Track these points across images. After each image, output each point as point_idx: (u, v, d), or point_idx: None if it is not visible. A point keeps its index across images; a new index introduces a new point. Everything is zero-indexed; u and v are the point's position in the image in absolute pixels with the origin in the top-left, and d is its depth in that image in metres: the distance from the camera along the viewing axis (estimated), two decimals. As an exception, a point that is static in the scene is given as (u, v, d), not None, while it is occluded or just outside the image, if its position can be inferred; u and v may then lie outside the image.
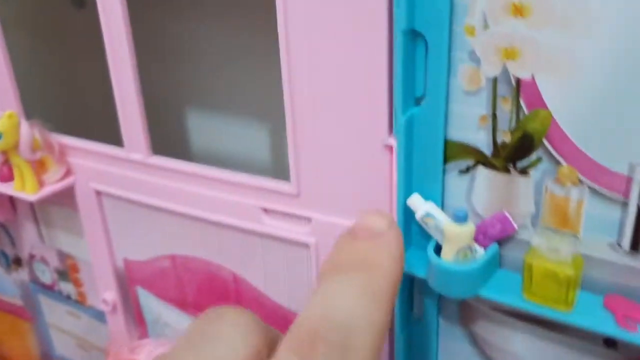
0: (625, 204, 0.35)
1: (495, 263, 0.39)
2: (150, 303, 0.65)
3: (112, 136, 0.57)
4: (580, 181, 0.35)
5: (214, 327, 0.30)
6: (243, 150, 0.79)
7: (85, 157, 0.59)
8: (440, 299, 0.44)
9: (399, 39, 0.36)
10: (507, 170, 0.37)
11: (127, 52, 0.51)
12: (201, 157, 0.81)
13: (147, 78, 0.71)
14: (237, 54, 0.71)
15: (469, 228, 0.37)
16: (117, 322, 0.68)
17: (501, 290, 0.38)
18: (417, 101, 0.39)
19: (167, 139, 0.80)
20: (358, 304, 0.27)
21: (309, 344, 0.25)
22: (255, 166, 0.77)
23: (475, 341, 0.44)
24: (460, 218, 0.37)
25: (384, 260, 0.30)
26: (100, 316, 0.70)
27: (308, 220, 0.48)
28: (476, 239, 0.39)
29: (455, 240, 0.37)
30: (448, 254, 0.38)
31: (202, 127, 0.81)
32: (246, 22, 0.67)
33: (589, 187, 0.35)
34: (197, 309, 0.61)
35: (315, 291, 0.28)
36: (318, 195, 0.47)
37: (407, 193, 0.40)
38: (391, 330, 0.47)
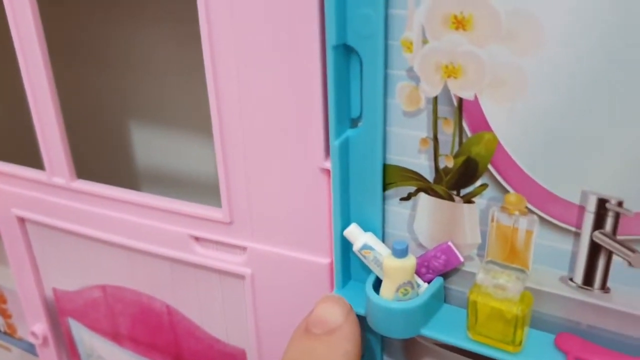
0: (577, 235, 0.32)
1: (440, 298, 0.36)
2: (83, 335, 0.60)
3: (36, 160, 0.52)
4: (529, 210, 0.32)
5: None
6: (188, 165, 0.75)
7: (6, 181, 0.54)
8: (384, 336, 0.40)
9: (329, 55, 0.32)
10: (450, 198, 0.34)
11: (44, 76, 0.47)
12: (146, 174, 0.77)
13: (88, 93, 0.67)
14: (179, 66, 0.67)
15: (409, 262, 0.34)
16: (49, 356, 0.63)
17: (445, 329, 0.35)
18: (354, 123, 0.35)
19: (108, 157, 0.76)
20: None
21: None
22: (201, 181, 0.73)
23: (421, 380, 0.40)
24: (400, 252, 0.34)
25: None
26: (32, 349, 0.65)
27: (243, 249, 0.45)
28: (419, 272, 0.36)
29: (395, 276, 0.34)
30: (388, 291, 0.34)
31: (146, 143, 0.77)
32: (190, 32, 0.63)
33: (539, 217, 0.32)
34: (132, 342, 0.57)
35: None
36: (252, 223, 0.43)
37: (345, 222, 0.37)
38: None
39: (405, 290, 0.34)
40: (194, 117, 0.70)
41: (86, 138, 0.69)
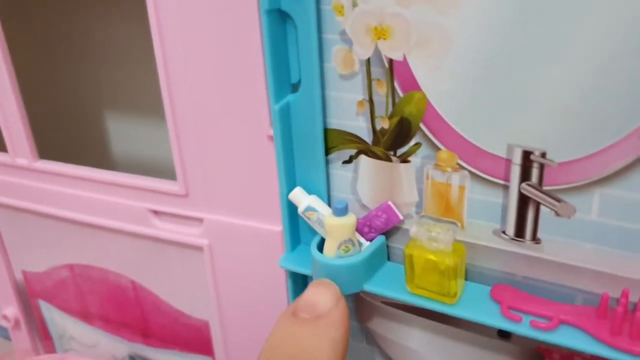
0: (506, 188, 0.33)
1: (382, 256, 0.37)
2: (54, 316, 0.61)
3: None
4: (460, 166, 0.33)
5: None
6: (162, 152, 0.75)
7: (-29, 164, 0.55)
8: (335, 298, 0.42)
9: (264, 20, 0.33)
10: (388, 159, 0.35)
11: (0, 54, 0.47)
12: (121, 162, 0.78)
13: (61, 82, 0.67)
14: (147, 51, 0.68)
15: (349, 220, 0.35)
16: (22, 339, 0.64)
17: (387, 284, 0.36)
18: (294, 88, 0.36)
19: (85, 144, 0.77)
20: None
21: None
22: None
23: (372, 338, 0.42)
24: (340, 211, 0.35)
25: (324, 350, 0.27)
26: (5, 333, 0.66)
27: (199, 221, 0.46)
28: (361, 232, 0.37)
29: (337, 234, 0.35)
30: (330, 249, 0.36)
31: (120, 131, 0.78)
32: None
33: (470, 172, 0.33)
34: (102, 320, 0.58)
35: None
36: (207, 194, 0.44)
37: (290, 187, 0.38)
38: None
39: (347, 247, 0.35)
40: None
41: (59, 128, 0.70)
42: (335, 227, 0.35)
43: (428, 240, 0.33)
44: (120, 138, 0.77)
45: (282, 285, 0.44)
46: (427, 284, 0.34)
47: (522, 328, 0.32)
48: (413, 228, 0.34)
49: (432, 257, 0.33)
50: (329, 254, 0.36)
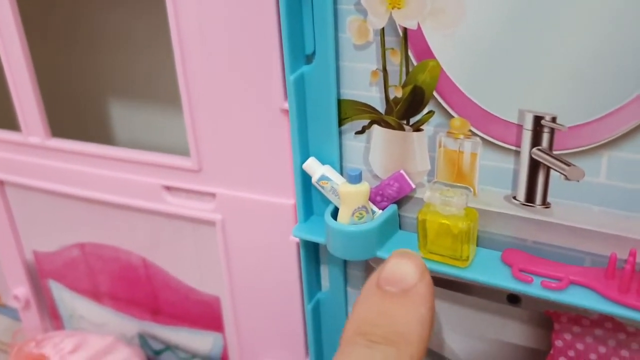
0: (517, 154, 0.34)
1: (394, 224, 0.38)
2: (64, 296, 0.62)
3: (12, 123, 0.54)
4: (473, 133, 0.34)
5: None
6: (168, 140, 0.76)
7: (-17, 144, 0.56)
8: (346, 268, 0.43)
9: (280, -8, 0.34)
10: (401, 128, 0.36)
11: (15, 34, 0.48)
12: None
13: (67, 67, 0.68)
14: (161, 40, 0.69)
15: (363, 187, 0.36)
16: (32, 319, 0.65)
17: (400, 251, 0.37)
18: (309, 59, 0.37)
19: (90, 130, 0.77)
20: None
21: None
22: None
23: (383, 309, 0.43)
24: (354, 178, 0.36)
25: (414, 329, 0.26)
26: (16, 314, 0.67)
27: (212, 196, 0.47)
28: (374, 201, 0.38)
29: (350, 201, 0.36)
30: (344, 216, 0.36)
31: (125, 117, 0.78)
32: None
33: (482, 139, 0.34)
34: (112, 299, 0.58)
35: (338, 356, 0.26)
36: (220, 169, 0.45)
37: (304, 157, 0.39)
38: (302, 297, 0.46)
39: (360, 214, 0.36)
40: (172, 92, 0.71)
41: (64, 115, 0.71)
42: (349, 195, 0.36)
43: (441, 204, 0.34)
44: (127, 126, 0.77)
45: (294, 259, 0.45)
46: (439, 248, 0.35)
47: (533, 289, 0.33)
48: (427, 193, 0.34)
49: (445, 221, 0.34)
50: (343, 221, 0.36)
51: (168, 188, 0.48)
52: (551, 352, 0.38)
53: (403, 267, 0.28)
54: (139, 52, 0.67)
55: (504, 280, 0.34)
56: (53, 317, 0.64)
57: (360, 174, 0.36)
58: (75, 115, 0.71)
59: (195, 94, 0.43)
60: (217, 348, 0.54)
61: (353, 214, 0.36)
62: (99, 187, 0.51)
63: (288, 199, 0.43)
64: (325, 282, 0.44)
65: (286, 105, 0.39)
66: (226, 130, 0.43)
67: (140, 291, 0.56)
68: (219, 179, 0.45)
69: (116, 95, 0.73)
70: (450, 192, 0.34)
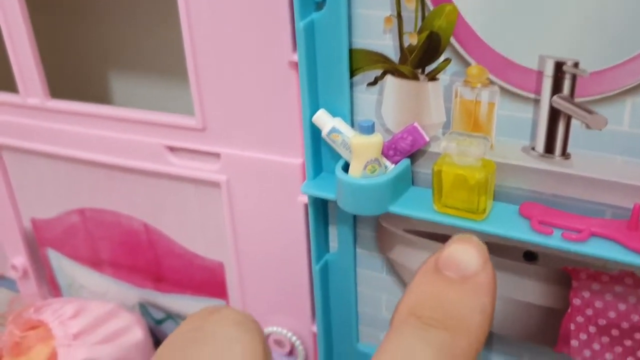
0: (537, 102, 0.33)
1: (407, 179, 0.37)
2: (63, 265, 0.61)
3: (10, 85, 0.53)
4: (491, 81, 0.33)
5: (209, 324, 0.26)
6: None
7: (-20, 107, 0.54)
8: (355, 228, 0.41)
9: None
10: (415, 77, 0.35)
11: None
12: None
13: (71, 38, 0.66)
14: (165, 12, 0.67)
15: (376, 139, 0.35)
16: (30, 289, 0.63)
17: (412, 205, 0.36)
18: (319, 6, 0.36)
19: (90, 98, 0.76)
20: None
21: None
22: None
23: (393, 269, 0.41)
24: (367, 129, 0.35)
25: (473, 317, 0.24)
26: (13, 285, 0.66)
27: (217, 156, 0.45)
28: (386, 155, 0.37)
29: (363, 153, 0.35)
30: (356, 169, 0.35)
31: (127, 90, 0.77)
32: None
33: (500, 87, 0.33)
34: (112, 267, 0.57)
35: (389, 338, 0.24)
36: (225, 128, 0.44)
37: (314, 110, 0.37)
38: (309, 260, 0.44)
39: (373, 167, 0.35)
40: (176, 64, 0.70)
41: (64, 80, 0.69)
42: (362, 147, 0.35)
43: (458, 155, 0.33)
44: (128, 97, 0.76)
45: (301, 221, 0.44)
46: (455, 201, 0.34)
47: (554, 240, 0.32)
48: (443, 143, 0.33)
49: (461, 172, 0.33)
50: (355, 174, 0.35)
51: (171, 149, 0.47)
52: (569, 310, 0.37)
53: (464, 253, 0.26)
54: (143, 12, 0.66)
55: (523, 232, 0.33)
56: (52, 287, 0.63)
57: (373, 124, 0.35)
58: (76, 82, 0.70)
59: (200, 47, 0.41)
60: (220, 315, 0.53)
61: (365, 166, 0.35)
62: (100, 148, 0.50)
63: (296, 158, 0.42)
64: (333, 244, 0.43)
65: (295, 58, 0.38)
66: (232, 87, 0.42)
67: (142, 258, 0.55)
68: (224, 139, 0.44)
69: (117, 65, 0.71)
70: (467, 141, 0.33)
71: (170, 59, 0.66)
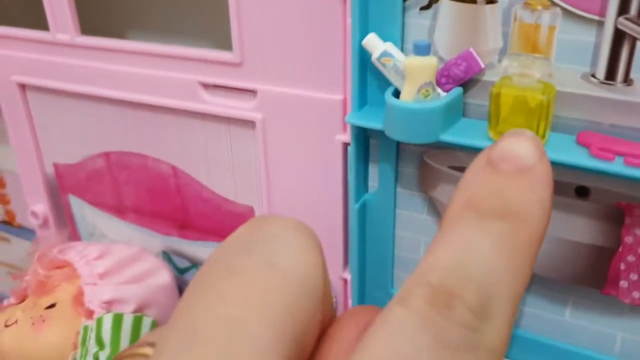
0: (601, 24, 0.31)
1: (458, 109, 0.36)
2: (85, 213, 0.59)
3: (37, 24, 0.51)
4: (553, 3, 0.32)
5: (267, 226, 0.24)
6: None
7: (5, 45, 0.53)
8: (397, 166, 0.40)
9: None
10: (473, 0, 0.34)
11: None
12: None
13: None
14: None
15: (431, 60, 0.34)
16: (49, 238, 0.62)
17: (465, 135, 0.35)
18: None
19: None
20: (499, 263, 0.22)
21: (445, 302, 0.21)
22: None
23: (435, 209, 0.40)
24: (422, 48, 0.34)
25: (532, 208, 0.23)
26: (31, 236, 0.64)
27: (253, 93, 0.44)
28: (439, 83, 0.36)
29: (417, 76, 0.34)
30: (408, 93, 0.34)
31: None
32: None
33: (562, 9, 0.32)
34: (136, 213, 0.56)
35: (444, 231, 0.23)
36: (263, 62, 0.43)
37: (363, 34, 0.36)
38: (344, 203, 0.43)
39: (427, 91, 0.34)
40: (193, 24, 0.68)
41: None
42: (416, 68, 0.34)
43: (519, 76, 0.32)
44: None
45: (339, 162, 0.43)
46: (512, 127, 0.33)
47: (616, 166, 0.31)
48: (504, 62, 0.32)
49: (522, 93, 0.32)
50: (407, 98, 0.34)
51: (205, 85, 0.46)
52: (619, 249, 0.35)
53: (519, 146, 0.25)
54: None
55: (582, 159, 0.32)
56: (72, 236, 0.62)
57: (429, 45, 0.34)
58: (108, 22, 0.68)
59: (243, -25, 0.40)
60: (247, 264, 0.52)
61: (419, 90, 0.34)
62: (130, 86, 0.48)
63: (337, 94, 0.41)
64: (373, 183, 0.42)
65: (343, -17, 0.37)
66: (273, 16, 0.41)
67: (169, 203, 0.53)
68: (262, 74, 0.43)
69: (139, 30, 0.70)
70: (530, 60, 0.32)
71: (180, 16, 0.65)
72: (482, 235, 0.23)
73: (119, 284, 0.47)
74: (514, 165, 0.24)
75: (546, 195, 0.24)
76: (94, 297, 0.45)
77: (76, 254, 0.49)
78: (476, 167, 0.26)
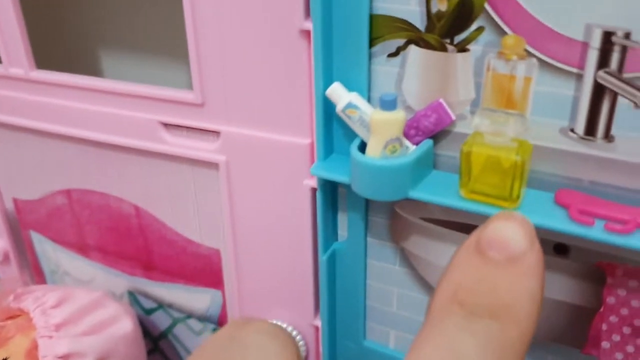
0: (579, 77, 0.29)
1: (429, 162, 0.34)
2: (47, 249, 0.57)
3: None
4: (528, 53, 0.30)
5: (242, 333, 0.24)
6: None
7: (-41, 77, 0.50)
8: (367, 215, 0.38)
9: None
10: (443, 48, 0.32)
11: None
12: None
13: (61, 17, 0.62)
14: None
15: (398, 115, 0.31)
16: (11, 275, 0.59)
17: (435, 191, 0.32)
18: (336, -31, 0.32)
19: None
20: None
21: None
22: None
23: (407, 260, 0.38)
24: (389, 104, 0.31)
25: (522, 302, 0.22)
26: (-7, 271, 0.62)
27: (216, 134, 0.42)
28: (407, 135, 0.33)
29: (383, 131, 0.31)
30: (374, 149, 0.32)
31: (118, 69, 0.73)
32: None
33: (538, 60, 0.30)
34: (100, 252, 0.54)
35: (429, 329, 0.21)
36: (226, 103, 0.40)
37: (327, 83, 0.34)
38: (314, 248, 0.41)
39: (394, 147, 0.32)
40: (167, 43, 0.66)
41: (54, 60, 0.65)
42: (382, 123, 0.31)
43: (492, 134, 0.29)
44: (117, 74, 0.72)
45: (307, 207, 0.40)
46: (485, 187, 0.31)
47: (595, 232, 0.29)
48: (475, 119, 0.30)
49: (495, 153, 0.29)
50: (374, 154, 0.32)
51: (166, 125, 0.43)
52: (601, 309, 0.33)
53: (510, 232, 0.23)
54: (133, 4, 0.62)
55: (561, 222, 0.30)
56: (35, 273, 0.59)
57: (396, 98, 0.31)
58: (64, 57, 0.66)
59: (201, 12, 0.38)
60: (214, 306, 0.50)
61: (385, 146, 0.31)
62: (89, 124, 0.46)
63: (304, 138, 0.39)
64: (342, 232, 0.39)
65: (307, 25, 0.34)
66: (235, 58, 0.38)
67: (132, 244, 0.51)
68: (225, 115, 0.41)
69: (109, 41, 0.67)
70: (503, 118, 0.29)
71: (167, 35, 0.62)
72: (468, 335, 0.21)
73: (76, 335, 0.44)
74: (504, 253, 0.22)
75: (537, 286, 0.22)
76: (49, 352, 0.43)
77: (33, 301, 0.46)
78: (464, 252, 0.23)
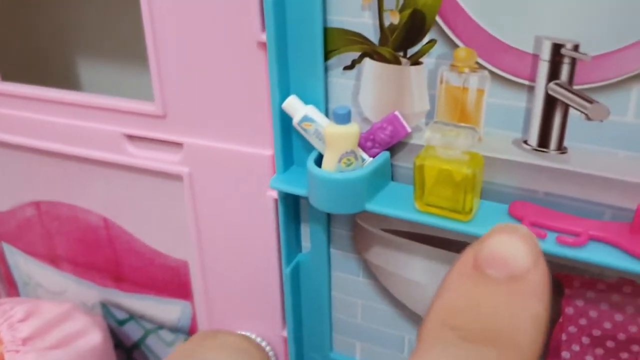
0: (531, 89, 0.29)
1: (386, 174, 0.33)
2: (18, 261, 0.56)
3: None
4: (480, 65, 0.30)
5: (203, 349, 0.23)
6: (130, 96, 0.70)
7: None
8: (329, 226, 0.38)
9: None
10: (397, 61, 0.31)
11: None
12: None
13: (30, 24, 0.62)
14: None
15: (352, 129, 0.31)
16: (-18, 289, 0.59)
17: (392, 203, 0.32)
18: (290, -18, 0.32)
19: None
20: None
21: None
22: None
23: (370, 271, 0.38)
24: (342, 117, 0.31)
25: (523, 325, 0.19)
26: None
27: (179, 146, 0.41)
28: (364, 147, 0.33)
29: (337, 145, 0.31)
30: (330, 162, 0.32)
31: (89, 76, 0.72)
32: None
33: (490, 72, 0.30)
34: (70, 264, 0.53)
35: (418, 353, 0.19)
36: (188, 115, 0.40)
37: (284, 96, 0.34)
38: (279, 258, 0.41)
39: (349, 160, 0.31)
40: (136, 47, 0.65)
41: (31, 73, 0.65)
42: (337, 137, 0.31)
43: (443, 147, 0.29)
44: (88, 83, 0.72)
45: (271, 218, 0.40)
46: (438, 199, 0.30)
47: (547, 245, 0.29)
48: (426, 133, 0.30)
49: (447, 166, 0.29)
50: (329, 168, 0.32)
51: (130, 137, 0.43)
52: (560, 320, 0.33)
53: (511, 247, 0.20)
54: (103, 9, 0.62)
55: (513, 235, 0.29)
56: (8, 285, 0.59)
57: (349, 112, 0.31)
58: (34, 68, 0.65)
59: (160, 25, 0.37)
60: (185, 318, 0.50)
61: (340, 160, 0.31)
62: (54, 136, 0.45)
63: (265, 150, 0.38)
64: (305, 243, 0.39)
65: (263, 37, 0.34)
66: (195, 70, 0.38)
67: (101, 255, 0.51)
68: (187, 127, 0.40)
69: (78, 50, 0.67)
70: (454, 132, 0.29)
71: (134, 42, 0.62)
72: None
73: (43, 349, 0.44)
74: (504, 272, 0.19)
75: (541, 309, 0.19)
76: (15, 366, 0.42)
77: (0, 314, 0.46)
78: (458, 270, 0.20)
